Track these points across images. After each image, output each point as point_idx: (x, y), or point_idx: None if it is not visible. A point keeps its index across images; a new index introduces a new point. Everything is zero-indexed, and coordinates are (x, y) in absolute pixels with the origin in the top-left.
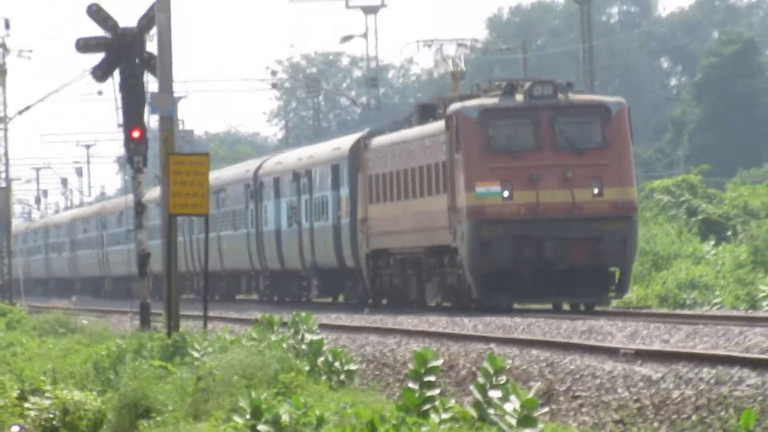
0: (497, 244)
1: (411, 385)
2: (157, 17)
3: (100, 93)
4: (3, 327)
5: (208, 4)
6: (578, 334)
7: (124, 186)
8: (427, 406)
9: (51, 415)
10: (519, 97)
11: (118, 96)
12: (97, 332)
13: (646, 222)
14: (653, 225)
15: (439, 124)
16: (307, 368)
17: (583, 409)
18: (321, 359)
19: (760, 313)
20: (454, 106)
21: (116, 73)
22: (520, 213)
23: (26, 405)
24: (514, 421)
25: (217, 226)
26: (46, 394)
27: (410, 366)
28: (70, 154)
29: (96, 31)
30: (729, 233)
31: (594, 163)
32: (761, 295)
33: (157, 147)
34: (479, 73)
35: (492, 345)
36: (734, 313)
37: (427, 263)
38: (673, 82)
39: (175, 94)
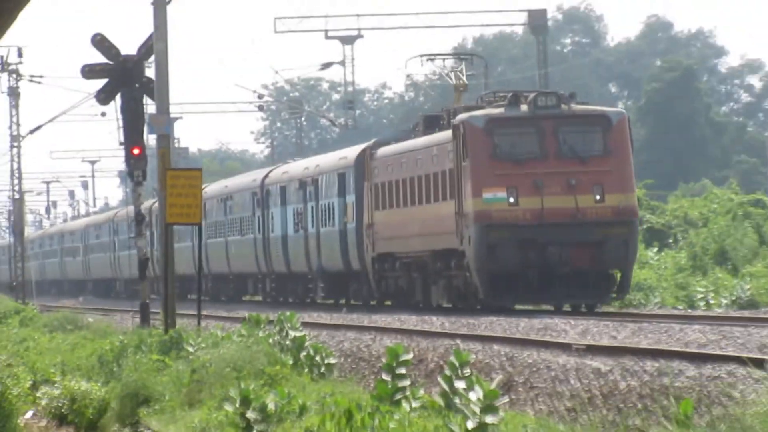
0: (503, 248)
1: (384, 376)
2: (155, 46)
3: (103, 114)
4: (17, 324)
5: (201, 35)
6: (535, 331)
7: (125, 198)
8: (398, 396)
9: (60, 403)
10: (524, 107)
11: (120, 117)
12: (101, 329)
13: None
14: None
15: (446, 134)
16: (290, 362)
17: (540, 399)
18: (303, 353)
19: (697, 312)
20: (462, 116)
21: (118, 97)
22: (525, 218)
23: (38, 394)
24: (477, 410)
25: (224, 231)
26: (56, 384)
27: (384, 360)
28: (77, 169)
29: (100, 58)
30: (671, 240)
31: (596, 170)
32: (699, 296)
33: (155, 163)
34: (445, 97)
35: (457, 341)
36: (675, 312)
37: (433, 266)
38: (621, 105)
39: (171, 115)
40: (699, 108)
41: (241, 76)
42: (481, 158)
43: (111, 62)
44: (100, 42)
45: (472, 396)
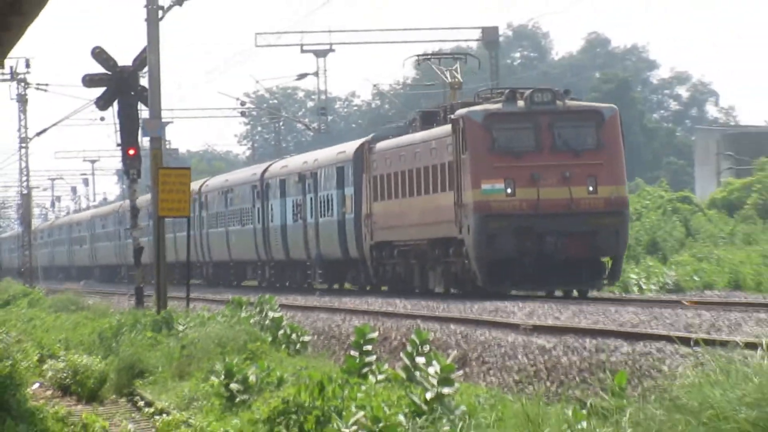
0: (501, 237)
1: (353, 353)
2: (148, 58)
3: (102, 119)
4: (25, 305)
5: (190, 48)
6: (488, 312)
7: (122, 193)
8: (365, 370)
9: (64, 375)
10: (520, 103)
11: (117, 121)
12: (101, 309)
13: None
14: None
15: (445, 128)
16: (269, 339)
17: (491, 372)
18: (281, 332)
19: (631, 296)
20: (461, 111)
21: (115, 103)
22: (522, 208)
23: (44, 367)
24: (435, 382)
25: (225, 222)
26: (60, 358)
27: (352, 338)
28: (79, 167)
29: (99, 69)
30: None
31: (589, 163)
32: (632, 282)
33: (149, 162)
34: (408, 104)
35: (418, 321)
36: (611, 296)
37: (431, 254)
38: None
39: (163, 120)
40: (634, 116)
41: (226, 85)
42: (480, 151)
43: (109, 72)
44: (99, 54)
45: (431, 370)
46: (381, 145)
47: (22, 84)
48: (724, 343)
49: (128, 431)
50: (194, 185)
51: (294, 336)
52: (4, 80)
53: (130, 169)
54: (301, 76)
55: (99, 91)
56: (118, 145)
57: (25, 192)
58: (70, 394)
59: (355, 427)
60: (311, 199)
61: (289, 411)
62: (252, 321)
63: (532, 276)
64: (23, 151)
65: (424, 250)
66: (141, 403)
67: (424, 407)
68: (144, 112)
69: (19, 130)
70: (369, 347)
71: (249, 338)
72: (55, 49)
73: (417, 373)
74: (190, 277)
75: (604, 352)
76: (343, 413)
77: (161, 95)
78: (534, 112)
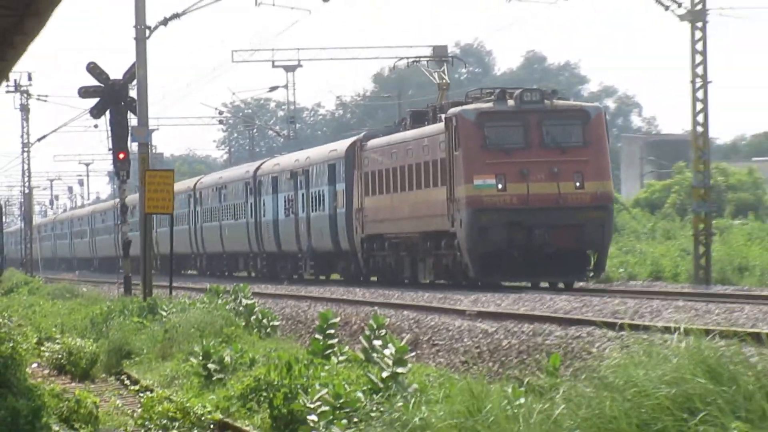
0: (492, 230)
1: (317, 336)
2: (137, 72)
3: (96, 126)
4: (26, 293)
5: (174, 63)
6: (437, 300)
7: (113, 192)
8: (328, 351)
9: (60, 356)
10: (510, 102)
11: (109, 128)
12: (93, 297)
13: None
14: None
15: (437, 126)
16: (243, 324)
17: (440, 353)
18: (253, 317)
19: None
20: (454, 110)
21: (108, 112)
22: (512, 202)
23: (42, 348)
24: (390, 362)
25: (219, 216)
26: (57, 341)
27: (317, 322)
28: (75, 169)
29: (93, 82)
30: None
31: (576, 159)
32: None
33: (137, 165)
34: (367, 114)
35: (376, 308)
36: (546, 286)
37: (423, 246)
38: None
39: (150, 127)
40: None
41: (206, 95)
42: (472, 148)
43: (102, 85)
44: (93, 69)
45: (386, 351)
46: (372, 142)
47: (25, 95)
48: (646, 328)
49: (117, 406)
50: (189, 182)
51: (265, 321)
52: (8, 91)
53: (120, 171)
54: (273, 89)
55: (93, 101)
56: (110, 149)
57: (26, 191)
58: (65, 373)
59: (318, 403)
60: (303, 194)
61: (260, 388)
62: (228, 307)
63: (522, 267)
64: (25, 154)
65: (415, 243)
66: (128, 382)
67: (381, 385)
68: (133, 120)
69: (21, 136)
70: (332, 331)
71: (225, 323)
72: (54, 63)
73: (374, 355)
74: (173, 267)
75: (540, 336)
76: (309, 390)
77: (148, 105)
78: (523, 111)
